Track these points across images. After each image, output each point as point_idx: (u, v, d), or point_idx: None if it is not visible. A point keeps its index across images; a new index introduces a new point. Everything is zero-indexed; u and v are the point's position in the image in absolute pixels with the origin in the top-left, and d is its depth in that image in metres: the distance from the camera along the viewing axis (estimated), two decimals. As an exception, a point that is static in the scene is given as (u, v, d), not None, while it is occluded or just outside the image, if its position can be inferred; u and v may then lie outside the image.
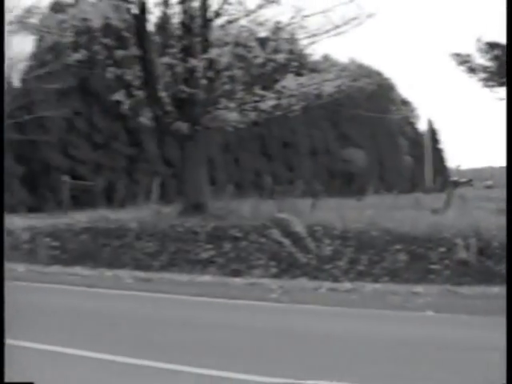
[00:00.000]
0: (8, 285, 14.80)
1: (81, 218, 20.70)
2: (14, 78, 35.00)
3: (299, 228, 15.74)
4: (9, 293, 13.85)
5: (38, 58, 31.65)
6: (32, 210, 31.90)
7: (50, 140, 37.52)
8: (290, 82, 19.44)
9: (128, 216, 19.95)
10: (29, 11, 21.35)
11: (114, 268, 16.82)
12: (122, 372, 7.24)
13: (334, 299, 12.42)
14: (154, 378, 7.04)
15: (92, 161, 39.30)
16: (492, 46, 33.28)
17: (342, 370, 7.15)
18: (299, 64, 20.54)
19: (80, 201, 28.34)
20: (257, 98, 19.49)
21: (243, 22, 19.63)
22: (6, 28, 24.64)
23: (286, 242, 15.53)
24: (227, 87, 19.71)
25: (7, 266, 17.57)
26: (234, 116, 19.97)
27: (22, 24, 21.13)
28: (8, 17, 24.87)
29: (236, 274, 15.36)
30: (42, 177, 37.67)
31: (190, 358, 7.66)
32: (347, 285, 13.62)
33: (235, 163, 47.85)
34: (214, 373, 6.97)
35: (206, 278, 15.17)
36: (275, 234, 15.82)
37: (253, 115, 20.06)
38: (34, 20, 20.98)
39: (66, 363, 7.62)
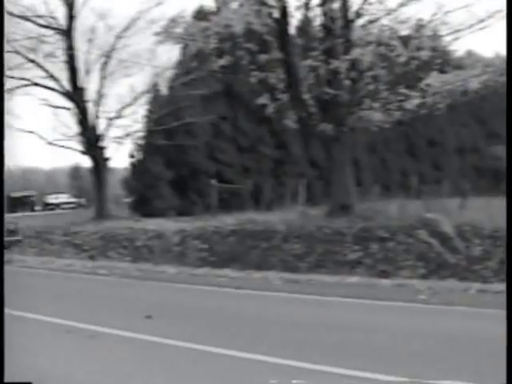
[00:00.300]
0: (160, 285, 15.27)
1: (228, 220, 21.02)
2: (162, 86, 35.90)
3: (447, 228, 15.45)
4: (162, 293, 14.29)
5: (184, 66, 32.32)
6: (181, 213, 32.69)
7: (197, 145, 38.29)
8: (434, 79, 19.10)
9: (275, 218, 20.11)
10: (173, 21, 21.88)
11: (262, 270, 16.98)
12: (272, 372, 7.32)
13: (484, 301, 12.09)
14: (299, 378, 7.08)
15: (238, 164, 39.81)
16: None
17: (483, 372, 6.98)
18: (443, 61, 20.17)
19: (227, 203, 28.81)
20: (401, 97, 19.26)
21: (384, 20, 19.47)
22: (153, 39, 25.40)
23: (434, 242, 15.28)
24: (371, 87, 19.57)
25: (160, 268, 18.15)
26: (378, 116, 19.82)
27: (168, 33, 21.66)
28: (154, 28, 25.64)
29: (384, 274, 15.23)
30: (190, 181, 38.47)
31: (335, 359, 7.66)
32: (498, 286, 13.21)
33: (381, 163, 47.39)
34: (357, 373, 6.96)
35: (354, 279, 15.10)
36: (423, 234, 15.59)
37: (397, 114, 19.82)
38: (178, 29, 21.48)
39: (224, 364, 7.75)
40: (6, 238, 21.46)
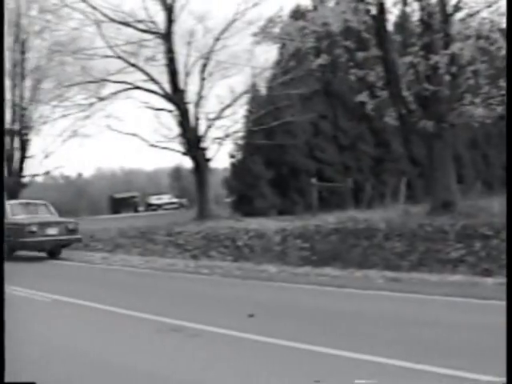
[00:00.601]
0: (261, 284, 15.35)
1: (329, 219, 21.01)
2: (261, 86, 36.10)
3: (554, 224, 15.05)
4: (263, 292, 14.36)
5: (282, 65, 32.39)
6: (282, 212, 32.82)
7: (297, 144, 38.31)
8: (537, 71, 18.62)
9: (376, 216, 20.01)
10: (271, 21, 22.06)
11: (364, 268, 16.89)
12: (376, 372, 7.30)
13: None
14: (402, 378, 7.05)
15: (338, 162, 39.67)
16: None
17: None
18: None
19: (328, 202, 28.79)
20: (503, 92, 18.88)
21: (484, 13, 19.15)
22: (251, 39, 25.62)
23: (540, 239, 14.92)
24: (471, 82, 19.26)
25: (261, 267, 18.26)
26: (479, 111, 19.49)
27: (265, 34, 21.81)
28: (252, 28, 25.85)
29: (487, 273, 14.95)
30: (291, 180, 38.53)
31: (437, 358, 7.58)
32: None
33: (483, 159, 46.43)
34: (459, 373, 6.88)
35: (456, 277, 14.86)
36: (528, 231, 15.24)
37: (499, 109, 19.45)
38: (276, 29, 21.61)
39: (330, 364, 7.75)
40: (66, 237, 23.61)
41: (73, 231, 24.04)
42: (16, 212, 24.06)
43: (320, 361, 7.83)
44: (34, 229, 22.84)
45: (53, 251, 23.84)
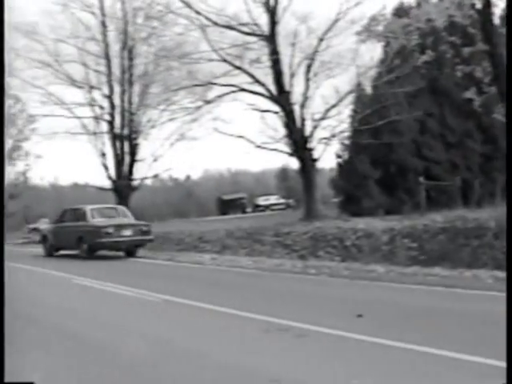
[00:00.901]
0: (369, 284, 15.27)
1: (437, 218, 20.74)
2: (366, 85, 35.94)
3: None
4: (371, 292, 14.29)
5: (387, 64, 32.16)
6: (389, 212, 32.55)
7: (404, 142, 37.95)
8: None
9: (485, 215, 19.63)
10: (374, 19, 21.94)
11: (473, 268, 16.62)
12: (489, 374, 7.20)
13: None
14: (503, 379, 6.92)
15: (446, 161, 39.10)
16: None
17: None
18: None
19: (435, 201, 28.39)
20: None
21: None
22: (355, 38, 25.54)
23: None
24: None
25: (369, 267, 18.17)
26: None
27: (369, 32, 21.71)
28: (355, 27, 25.79)
29: None
30: (398, 179, 38.18)
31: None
32: None
33: None
34: None
35: None
36: None
37: None
38: (379, 27, 21.49)
39: (442, 366, 7.66)
40: (140, 238, 25.97)
41: (146, 233, 26.37)
42: (95, 216, 26.39)
43: (424, 361, 7.77)
44: (110, 230, 25.10)
45: (129, 251, 25.99)
